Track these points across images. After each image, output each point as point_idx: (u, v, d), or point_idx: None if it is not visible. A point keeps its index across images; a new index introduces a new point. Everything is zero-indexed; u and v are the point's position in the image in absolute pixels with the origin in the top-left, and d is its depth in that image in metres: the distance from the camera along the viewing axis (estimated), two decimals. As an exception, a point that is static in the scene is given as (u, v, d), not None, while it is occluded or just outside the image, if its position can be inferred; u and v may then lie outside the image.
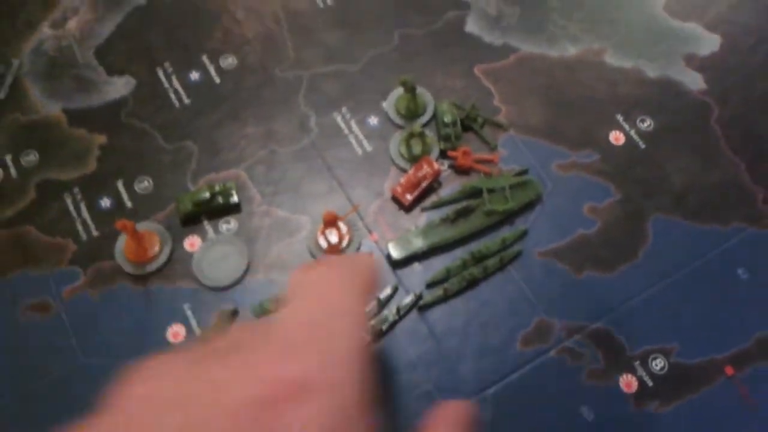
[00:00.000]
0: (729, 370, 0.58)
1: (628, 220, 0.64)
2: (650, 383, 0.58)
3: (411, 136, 0.64)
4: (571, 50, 0.73)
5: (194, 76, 0.71)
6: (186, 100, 0.70)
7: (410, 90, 0.65)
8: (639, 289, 0.61)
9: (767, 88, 0.71)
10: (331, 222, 0.59)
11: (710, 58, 0.72)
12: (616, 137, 0.68)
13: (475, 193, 0.64)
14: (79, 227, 0.63)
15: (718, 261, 0.62)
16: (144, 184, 0.65)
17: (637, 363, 0.58)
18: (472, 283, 0.61)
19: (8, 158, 0.66)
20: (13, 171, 0.66)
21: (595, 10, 0.75)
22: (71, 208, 0.64)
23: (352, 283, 0.36)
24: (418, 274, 0.62)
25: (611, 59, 0.72)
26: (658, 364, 0.58)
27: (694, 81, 0.71)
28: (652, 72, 0.72)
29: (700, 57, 0.72)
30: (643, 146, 0.68)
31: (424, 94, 0.69)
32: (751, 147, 0.68)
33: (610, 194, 0.65)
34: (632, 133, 0.68)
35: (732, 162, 0.67)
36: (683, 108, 0.70)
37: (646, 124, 0.69)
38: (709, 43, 0.73)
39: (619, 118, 0.69)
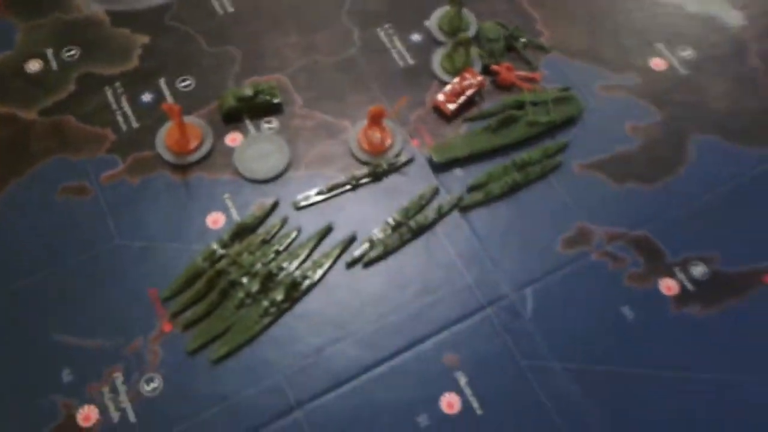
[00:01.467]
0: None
1: (670, 140, 0.64)
2: (691, 288, 0.57)
3: (457, 46, 0.65)
4: (613, -17, 0.74)
5: (239, -14, 0.71)
6: (230, 8, 0.70)
7: (458, 4, 0.66)
8: (680, 202, 0.61)
9: (805, 26, 0.72)
10: (377, 117, 0.59)
11: (749, -3, 0.74)
12: (657, 63, 0.69)
13: (518, 105, 0.64)
14: (120, 118, 0.63)
15: (759, 179, 0.62)
16: (186, 83, 0.65)
17: (677, 269, 0.58)
18: (514, 188, 0.61)
19: (49, 52, 0.66)
20: (54, 64, 0.66)
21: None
22: (111, 100, 0.64)
23: None
24: (459, 179, 0.61)
25: (652, -8, 0.73)
26: (699, 271, 0.58)
27: (735, 17, 0.72)
28: (692, 6, 0.72)
29: (740, -5, 0.74)
30: (684, 72, 0.68)
31: (468, 14, 0.70)
32: (789, 78, 0.68)
33: (652, 115, 0.65)
34: (674, 60, 0.69)
35: (771, 91, 0.67)
36: (723, 41, 0.70)
37: (687, 53, 0.69)
38: (748, -18, 0.74)
39: (660, 46, 0.70)
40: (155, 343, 0.53)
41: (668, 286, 0.57)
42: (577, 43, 0.69)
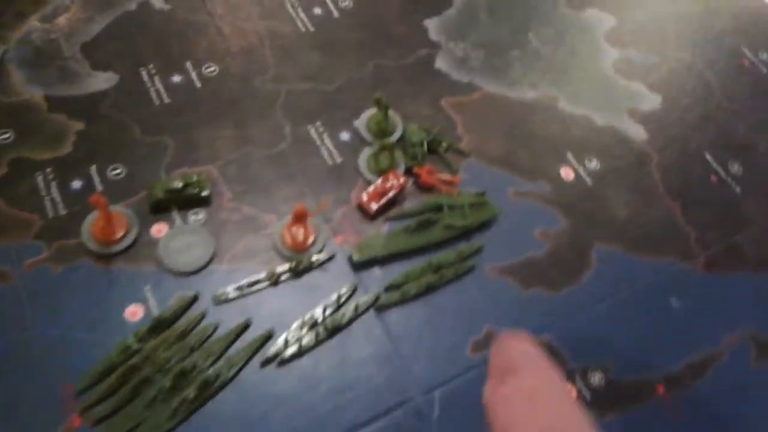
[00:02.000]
0: (660, 389, 0.62)
1: (575, 247, 0.69)
2: (588, 396, 0.61)
3: (382, 149, 0.68)
4: (530, 94, 0.80)
5: (176, 78, 0.74)
6: (166, 99, 0.72)
7: (383, 108, 0.70)
8: (581, 309, 0.65)
9: (700, 142, 0.79)
10: (300, 216, 0.62)
11: (651, 114, 0.80)
12: (567, 173, 0.74)
13: (436, 208, 0.68)
14: (48, 204, 0.64)
15: (653, 288, 0.68)
16: (117, 171, 0.67)
17: (577, 375, 0.62)
18: (429, 289, 0.64)
19: (-19, 134, 0.67)
20: (-15, 147, 0.67)
21: (552, 62, 0.83)
22: (41, 185, 0.65)
23: None
24: (377, 278, 0.64)
25: (564, 105, 0.79)
26: (597, 378, 0.62)
27: (637, 132, 0.79)
28: (600, 120, 0.79)
29: (643, 112, 0.80)
30: (590, 183, 0.74)
31: (394, 116, 0.74)
32: (684, 192, 0.74)
33: (559, 222, 0.70)
34: (581, 170, 0.75)
35: (668, 204, 0.73)
36: (626, 153, 0.77)
37: (594, 164, 0.75)
38: (651, 100, 0.81)
39: (570, 156, 0.75)
40: (63, 439, 0.53)
41: (568, 390, 0.61)
42: (493, 149, 0.74)
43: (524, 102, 0.79)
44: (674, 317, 0.66)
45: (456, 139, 0.74)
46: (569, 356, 0.62)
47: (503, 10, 0.87)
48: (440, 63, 0.80)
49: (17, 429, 0.53)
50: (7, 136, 0.67)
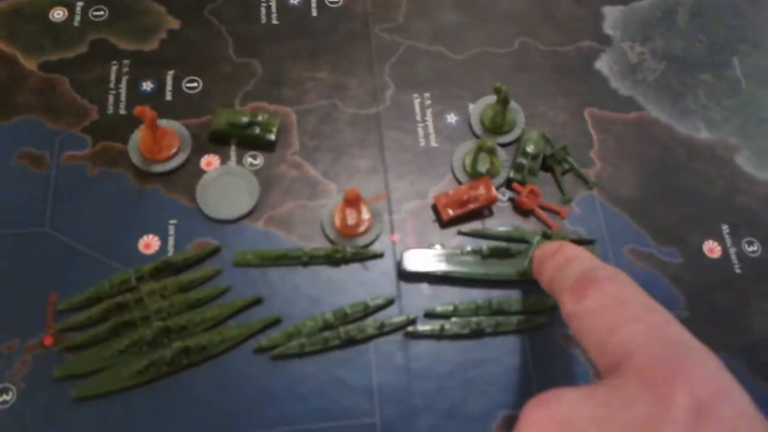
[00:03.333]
0: None
1: (683, 345, 0.53)
2: None
3: (481, 149, 0.56)
4: (704, 134, 0.62)
5: (295, 0, 0.65)
6: (275, 20, 0.64)
7: (502, 101, 0.57)
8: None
9: None
10: (351, 202, 0.52)
11: None
12: (711, 248, 0.57)
13: (521, 240, 0.55)
14: (111, 98, 0.59)
15: (769, 438, 0.50)
16: (193, 84, 0.60)
17: None
18: (476, 334, 0.52)
19: (79, 4, 0.63)
20: (77, 18, 0.62)
21: (751, 103, 0.64)
22: (113, 77, 0.60)
23: None
24: (421, 297, 0.53)
25: (744, 162, 0.61)
26: None
27: (832, 224, 0.59)
28: (783, 195, 0.60)
29: None
30: (738, 271, 0.56)
31: (517, 112, 0.60)
32: None
33: (677, 308, 0.54)
34: (732, 251, 0.57)
35: (837, 334, 0.54)
36: (805, 249, 0.58)
37: (754, 248, 0.57)
38: None
39: (724, 229, 0.58)
40: (29, 352, 0.49)
41: None
42: (628, 188, 0.59)
43: (693, 142, 0.61)
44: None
45: (584, 162, 0.59)
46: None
47: (710, 17, 0.68)
48: (602, 63, 0.64)
49: (-9, 325, 0.49)
50: (101, 13, 0.63)
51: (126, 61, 0.60)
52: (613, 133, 0.61)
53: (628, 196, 0.58)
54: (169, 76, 0.60)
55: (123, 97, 0.59)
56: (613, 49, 0.65)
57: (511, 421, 0.49)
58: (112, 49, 0.61)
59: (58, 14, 0.62)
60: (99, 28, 0.62)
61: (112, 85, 0.59)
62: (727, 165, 0.61)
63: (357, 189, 0.51)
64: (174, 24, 0.63)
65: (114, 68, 0.60)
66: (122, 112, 0.58)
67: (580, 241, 0.55)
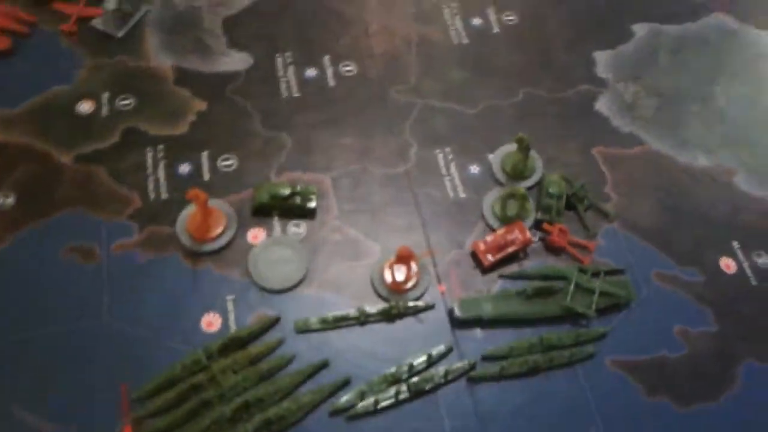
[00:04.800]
0: None
1: (719, 357, 0.57)
2: None
3: (511, 195, 0.60)
4: (702, 161, 0.67)
5: (311, 72, 0.69)
6: (295, 93, 0.67)
7: (524, 150, 0.61)
8: (713, 436, 0.54)
9: None
10: (404, 258, 0.55)
11: None
12: (728, 265, 0.62)
13: (560, 277, 0.59)
14: (150, 184, 0.61)
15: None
16: (228, 162, 0.63)
17: None
18: (533, 371, 0.55)
19: (105, 96, 0.65)
20: (105, 109, 0.64)
21: (738, 127, 0.70)
22: (149, 163, 0.62)
23: None
24: (477, 342, 0.56)
25: (742, 183, 0.67)
26: None
27: (827, 231, 0.65)
28: (782, 208, 0.66)
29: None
30: (754, 282, 0.61)
31: (535, 158, 0.65)
32: None
33: (707, 323, 0.59)
34: (746, 265, 0.62)
35: None
36: (809, 256, 0.63)
37: (764, 260, 0.62)
38: None
39: (736, 246, 0.63)
40: (111, 444, 0.50)
41: None
42: (644, 218, 0.63)
43: (693, 169, 0.67)
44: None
45: (602, 197, 0.64)
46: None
47: (690, 54, 0.75)
48: (602, 104, 0.70)
49: (69, 424, 0.50)
50: (128, 102, 0.65)
51: (160, 146, 0.63)
52: (622, 168, 0.66)
53: (645, 224, 0.63)
54: (204, 156, 0.63)
55: (162, 181, 0.61)
56: (610, 90, 0.71)
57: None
58: (144, 135, 0.63)
59: (84, 107, 0.64)
60: (128, 117, 0.64)
61: (149, 171, 0.61)
62: (725, 187, 0.66)
63: (408, 247, 0.54)
64: (200, 106, 0.65)
65: (149, 154, 0.62)
66: (164, 196, 0.60)
67: (612, 272, 0.60)
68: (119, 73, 0.67)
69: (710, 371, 0.57)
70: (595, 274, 0.59)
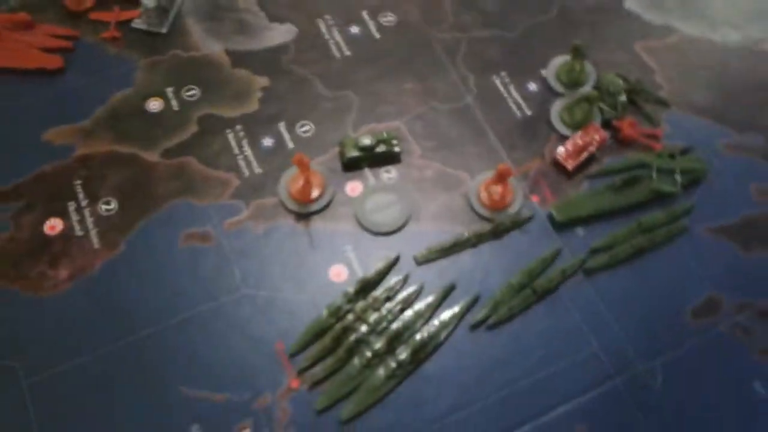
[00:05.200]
0: None
1: (797, 205, 0.63)
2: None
3: (581, 101, 0.64)
4: (733, 37, 0.72)
5: (354, 30, 0.71)
6: (347, 52, 0.70)
7: (581, 56, 0.65)
8: (811, 273, 0.59)
9: None
10: (504, 175, 0.58)
11: None
12: (785, 122, 0.67)
13: (641, 165, 0.63)
14: (242, 163, 0.63)
15: None
16: (305, 128, 0.65)
17: (810, 346, 0.56)
18: (639, 253, 0.60)
19: (169, 91, 0.67)
20: (174, 103, 0.66)
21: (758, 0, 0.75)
22: (233, 143, 0.64)
23: None
24: (581, 239, 0.61)
25: (774, 47, 0.72)
26: (833, 349, 0.56)
27: None
28: (816, 63, 0.71)
29: None
30: (813, 131, 0.66)
31: (587, 65, 0.69)
32: None
33: (779, 177, 0.64)
34: (799, 120, 0.67)
35: None
36: None
37: (814, 111, 0.68)
38: None
39: (787, 104, 0.68)
40: (283, 399, 0.53)
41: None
42: (698, 98, 0.68)
43: (727, 45, 0.71)
44: None
45: (655, 87, 0.68)
46: (802, 326, 0.57)
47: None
48: (630, 3, 0.74)
49: (240, 390, 0.53)
50: (193, 92, 0.67)
51: (238, 126, 0.65)
52: (666, 57, 0.70)
53: (700, 104, 0.68)
54: (282, 127, 0.65)
55: (251, 157, 0.63)
56: (633, -11, 0.75)
57: (706, 306, 0.57)
58: (220, 119, 0.65)
59: (154, 105, 0.66)
60: (199, 106, 0.66)
61: (236, 151, 0.64)
62: (763, 55, 0.71)
63: (506, 165, 0.58)
64: (263, 82, 0.68)
65: (230, 135, 0.64)
66: (257, 171, 0.63)
67: (684, 151, 0.64)
68: (176, 67, 0.68)
69: (792, 219, 0.62)
70: (671, 156, 0.64)
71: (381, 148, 0.63)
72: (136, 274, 0.58)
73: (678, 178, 0.62)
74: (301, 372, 0.54)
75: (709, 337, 0.56)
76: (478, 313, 0.56)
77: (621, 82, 0.67)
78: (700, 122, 0.67)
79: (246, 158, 0.63)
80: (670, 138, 0.66)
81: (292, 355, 0.54)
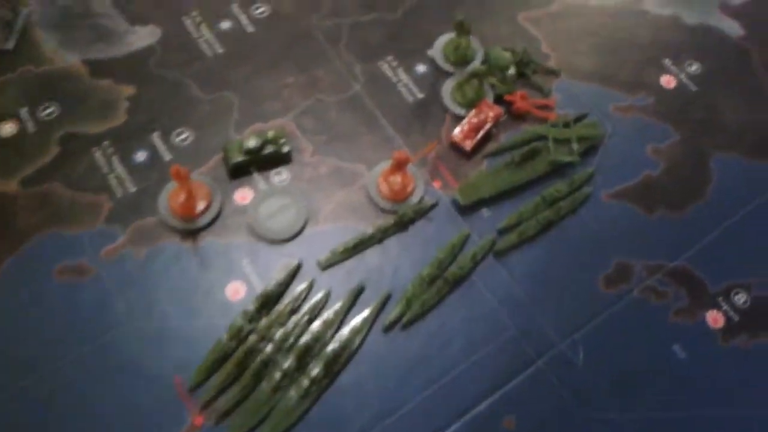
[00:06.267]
0: (808, 302, 0.57)
1: (691, 160, 0.63)
2: (736, 318, 0.56)
3: (470, 77, 0.61)
4: (612, -2, 0.72)
5: (225, 25, 0.66)
6: (219, 49, 0.64)
7: (465, 32, 0.62)
8: (712, 227, 0.60)
9: (804, 32, 0.72)
10: (402, 163, 0.55)
11: (743, 6, 0.73)
12: (668, 81, 0.67)
13: (538, 138, 0.62)
14: (113, 182, 0.57)
15: (783, 196, 0.62)
16: (183, 136, 0.60)
17: (720, 299, 0.57)
18: (546, 227, 0.58)
19: (23, 111, 0.59)
20: (30, 124, 0.59)
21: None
22: (102, 162, 0.58)
23: None
24: (488, 220, 0.58)
25: (650, 7, 0.72)
26: (741, 298, 0.57)
27: (732, 28, 0.71)
28: (690, 19, 0.71)
29: (734, 5, 0.73)
30: (694, 89, 0.67)
31: (472, 40, 0.66)
32: (797, 87, 0.68)
33: (670, 135, 0.64)
34: (682, 76, 0.67)
35: (781, 102, 0.67)
36: (725, 53, 0.70)
37: (694, 68, 0.68)
38: (743, -10, 0.74)
39: (667, 62, 0.68)
40: (189, 438, 0.48)
41: (714, 318, 0.56)
42: (584, 63, 0.67)
43: (606, 8, 0.71)
44: (809, 223, 0.61)
45: (543, 57, 0.67)
46: (710, 280, 0.57)
47: None
48: (509, -26, 0.72)
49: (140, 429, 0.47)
50: (51, 110, 0.60)
51: (105, 143, 0.58)
52: (549, 26, 0.69)
53: (587, 69, 0.67)
54: (156, 137, 0.59)
55: (124, 175, 0.57)
56: (510, -40, 0.73)
57: (616, 273, 0.56)
58: (84, 137, 0.59)
59: (7, 129, 0.58)
60: (58, 125, 0.59)
61: (106, 170, 0.57)
62: (639, 15, 0.71)
63: (403, 150, 0.55)
64: (129, 90, 0.61)
65: (97, 154, 0.58)
66: (132, 189, 0.57)
67: (578, 118, 0.63)
68: (29, 85, 0.61)
69: (689, 175, 0.62)
70: (566, 125, 0.62)
71: (268, 150, 0.58)
72: (5, 321, 0.51)
73: (575, 146, 0.61)
74: (205, 406, 0.49)
75: (624, 305, 0.55)
76: (391, 313, 0.53)
77: (508, 55, 0.65)
78: (590, 88, 0.66)
79: (118, 177, 0.57)
80: (563, 107, 0.64)
81: (193, 389, 0.49)
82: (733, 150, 0.64)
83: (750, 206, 0.61)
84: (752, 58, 0.70)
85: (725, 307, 0.56)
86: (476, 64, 0.65)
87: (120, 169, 0.58)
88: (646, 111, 0.65)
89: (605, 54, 0.68)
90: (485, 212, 0.59)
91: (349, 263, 0.55)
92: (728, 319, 0.56)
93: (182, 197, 0.54)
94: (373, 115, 0.62)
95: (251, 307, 0.52)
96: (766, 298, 0.57)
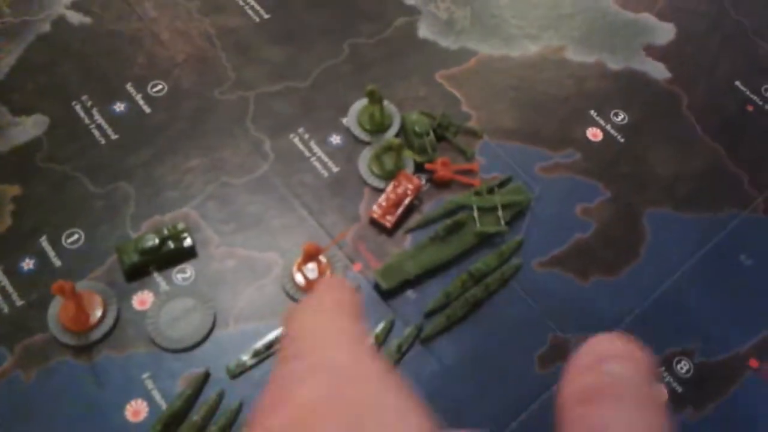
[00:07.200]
0: (753, 363, 0.55)
1: (623, 218, 0.60)
2: (679, 389, 0.53)
3: (387, 149, 0.57)
4: (532, 48, 0.69)
5: (119, 107, 0.61)
6: (113, 136, 0.60)
7: (377, 101, 0.59)
8: (649, 290, 0.57)
9: (728, 72, 0.70)
10: (312, 255, 0.51)
11: (668, 47, 0.71)
12: (594, 134, 0.64)
13: (460, 207, 0.58)
14: (-3, 298, 0.51)
15: (718, 250, 0.59)
16: (74, 238, 0.54)
17: (662, 369, 0.53)
18: (476, 305, 0.54)
19: None
20: None
21: (548, 7, 0.72)
22: (-17, 275, 0.52)
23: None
24: (413, 303, 0.54)
25: (573, 55, 0.69)
26: (684, 366, 0.54)
27: (658, 70, 0.69)
28: (614, 64, 0.69)
29: (659, 46, 0.71)
30: (622, 140, 0.64)
31: (388, 105, 0.63)
32: (726, 131, 0.66)
33: (600, 192, 0.61)
34: (609, 127, 0.65)
35: (711, 148, 0.65)
36: (653, 99, 0.67)
37: (620, 117, 0.66)
38: (664, 32, 0.72)
39: (593, 113, 0.66)
40: None
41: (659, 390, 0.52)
42: (507, 121, 0.64)
43: (528, 59, 0.68)
44: (748, 277, 0.58)
45: (463, 117, 0.64)
46: (654, 346, 0.54)
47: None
48: (424, 31, 0.69)
49: None
50: (-76, 220, 0.54)
51: (-13, 253, 0.53)
52: (467, 83, 0.66)
53: (510, 126, 0.64)
54: (44, 242, 0.54)
55: (9, 287, 0.52)
56: (424, 15, 0.70)
57: (552, 350, 0.53)
58: (-38, 248, 0.53)
59: None
60: (-68, 236, 0.53)
61: (-12, 284, 0.52)
62: (562, 64, 0.69)
63: (312, 242, 0.51)
64: (14, 191, 0.56)
65: (-22, 266, 0.52)
66: (18, 303, 0.51)
67: (502, 183, 0.60)
68: None
69: (622, 234, 0.59)
70: (490, 191, 0.59)
71: (168, 246, 0.53)
72: None
73: (500, 214, 0.58)
74: None
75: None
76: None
77: (426, 119, 0.62)
78: (514, 147, 0.63)
79: (3, 290, 0.52)
80: (488, 170, 0.61)
81: None
82: (665, 204, 0.61)
83: (686, 265, 0.58)
84: (680, 101, 0.67)
85: (668, 378, 0.53)
86: (393, 132, 0.61)
87: (4, 281, 0.52)
88: (574, 168, 0.62)
89: (528, 109, 0.65)
90: (410, 294, 0.55)
91: (263, 367, 0.51)
92: (672, 391, 0.52)
93: (71, 311, 0.49)
94: (284, 196, 0.58)
95: (157, 427, 0.47)
96: (711, 364, 0.54)
